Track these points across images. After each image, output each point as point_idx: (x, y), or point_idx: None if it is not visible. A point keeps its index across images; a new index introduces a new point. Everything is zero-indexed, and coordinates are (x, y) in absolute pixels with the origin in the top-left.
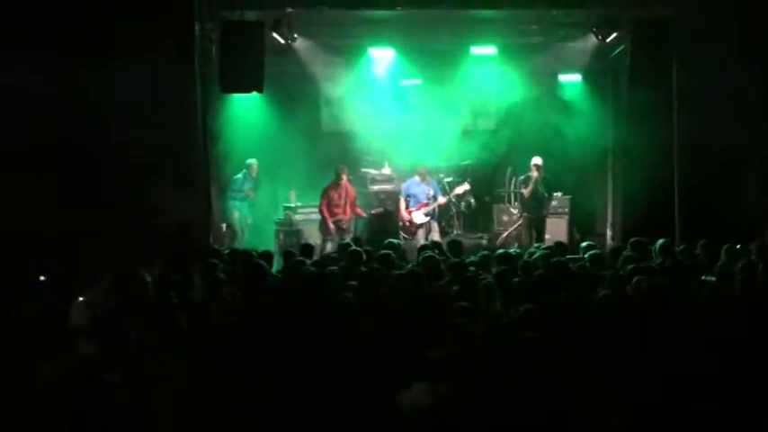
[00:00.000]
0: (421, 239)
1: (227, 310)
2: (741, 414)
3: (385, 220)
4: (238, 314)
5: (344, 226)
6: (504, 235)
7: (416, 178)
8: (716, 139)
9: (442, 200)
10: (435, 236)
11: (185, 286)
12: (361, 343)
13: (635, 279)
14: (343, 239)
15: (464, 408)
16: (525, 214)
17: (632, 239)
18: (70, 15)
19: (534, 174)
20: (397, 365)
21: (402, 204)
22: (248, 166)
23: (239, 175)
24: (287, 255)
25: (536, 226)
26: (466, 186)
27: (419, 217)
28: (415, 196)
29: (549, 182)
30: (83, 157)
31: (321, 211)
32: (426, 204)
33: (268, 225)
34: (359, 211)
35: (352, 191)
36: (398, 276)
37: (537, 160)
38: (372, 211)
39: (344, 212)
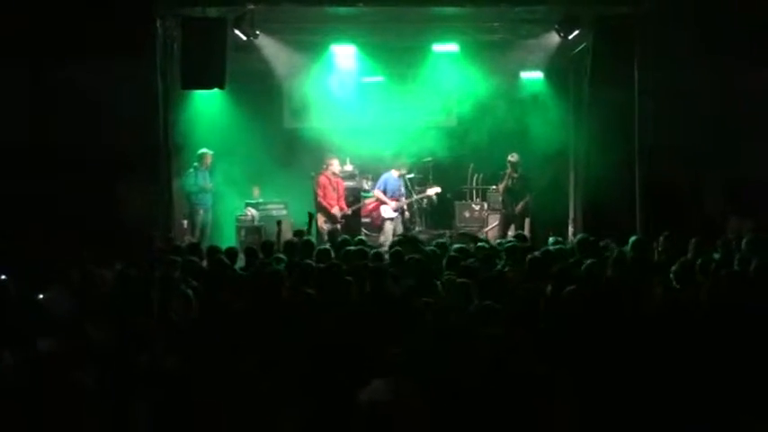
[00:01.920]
0: (389, 235)
1: (186, 307)
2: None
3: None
4: (199, 311)
5: (339, 218)
6: (484, 231)
7: (393, 173)
8: (677, 138)
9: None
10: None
11: (145, 284)
12: (322, 341)
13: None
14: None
15: (423, 404)
16: (502, 211)
17: (579, 237)
18: (31, 14)
19: (509, 170)
20: (357, 362)
21: (380, 194)
22: (200, 157)
23: (191, 170)
24: (248, 252)
25: (514, 223)
26: (437, 189)
27: (388, 211)
28: (390, 191)
29: (526, 179)
30: (43, 155)
31: (319, 200)
32: (398, 200)
33: (229, 221)
34: (343, 205)
35: (342, 184)
36: (362, 272)
37: (512, 157)
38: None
39: (336, 204)
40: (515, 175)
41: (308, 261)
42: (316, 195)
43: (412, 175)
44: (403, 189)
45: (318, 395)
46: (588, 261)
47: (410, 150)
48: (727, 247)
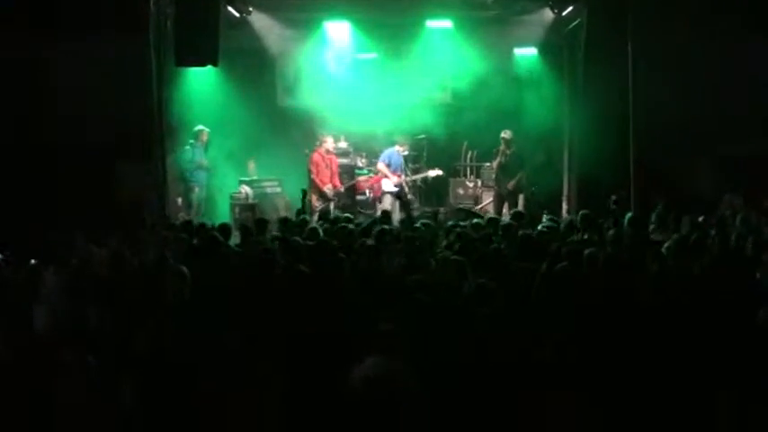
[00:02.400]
0: (387, 206)
1: (181, 285)
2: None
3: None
4: (192, 287)
5: (331, 195)
6: (478, 208)
7: (397, 148)
8: (671, 114)
9: (417, 176)
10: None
11: (138, 263)
12: (316, 317)
13: (587, 252)
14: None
15: (417, 381)
16: (495, 188)
17: (581, 213)
18: None
19: (502, 147)
20: (350, 339)
21: (384, 168)
22: (196, 134)
23: (187, 147)
24: (243, 229)
25: (507, 200)
26: (438, 171)
27: (389, 185)
28: (394, 166)
29: (519, 156)
30: (38, 132)
31: (313, 177)
32: (399, 176)
33: (224, 198)
34: (338, 183)
35: (336, 162)
36: (356, 250)
37: (505, 134)
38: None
39: (329, 181)
40: (508, 152)
41: (298, 239)
42: (309, 173)
43: (406, 153)
44: (404, 166)
45: (302, 373)
46: (588, 243)
47: (404, 127)
48: (722, 224)
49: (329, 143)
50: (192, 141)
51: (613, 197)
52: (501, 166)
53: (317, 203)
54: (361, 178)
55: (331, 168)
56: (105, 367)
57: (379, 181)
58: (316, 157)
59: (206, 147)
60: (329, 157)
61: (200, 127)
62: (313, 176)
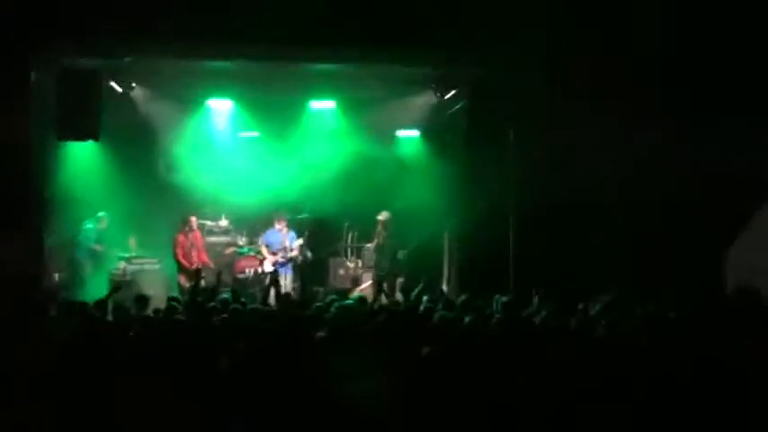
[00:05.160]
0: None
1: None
2: None
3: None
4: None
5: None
6: (358, 289)
7: (275, 227)
8: (551, 201)
9: (293, 252)
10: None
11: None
12: None
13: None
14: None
15: None
16: (374, 270)
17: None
18: None
19: (379, 228)
20: None
21: (264, 251)
22: (98, 219)
23: (88, 226)
24: (117, 309)
25: (386, 281)
26: (300, 241)
27: (267, 266)
28: (271, 245)
29: (397, 238)
30: None
31: (179, 260)
32: (275, 254)
33: (102, 275)
34: (205, 259)
35: (201, 238)
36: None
37: (382, 216)
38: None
39: (197, 259)
40: (385, 233)
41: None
42: (175, 255)
43: (284, 230)
44: (286, 242)
45: None
46: (468, 318)
47: (286, 206)
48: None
49: (193, 222)
50: (93, 225)
51: (535, 291)
52: (378, 248)
53: (186, 284)
54: (241, 258)
55: (196, 246)
56: None
57: (261, 263)
58: (180, 238)
59: (103, 233)
60: (193, 234)
61: (102, 213)
62: (180, 258)
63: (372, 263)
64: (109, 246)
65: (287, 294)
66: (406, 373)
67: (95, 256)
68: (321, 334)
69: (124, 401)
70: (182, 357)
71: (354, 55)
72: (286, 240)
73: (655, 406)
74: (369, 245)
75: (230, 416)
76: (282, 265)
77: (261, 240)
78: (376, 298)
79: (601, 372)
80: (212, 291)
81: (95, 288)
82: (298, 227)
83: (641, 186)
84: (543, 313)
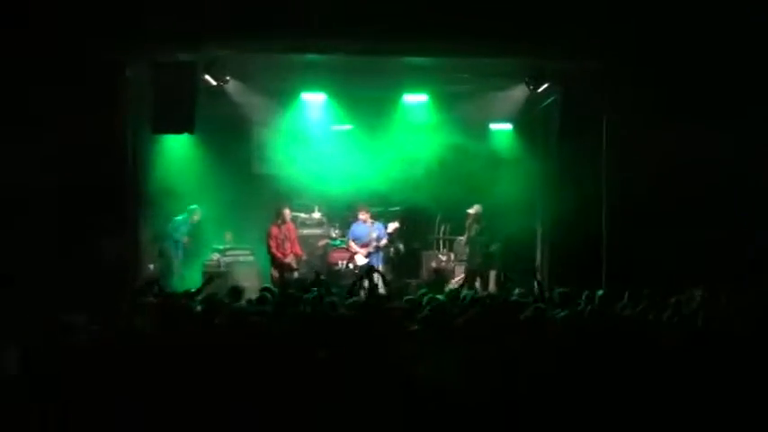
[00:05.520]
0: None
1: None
2: None
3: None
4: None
5: (295, 265)
6: (453, 282)
7: (360, 220)
8: (643, 193)
9: (383, 242)
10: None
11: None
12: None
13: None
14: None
15: None
16: (466, 264)
17: (559, 290)
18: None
19: (470, 222)
20: None
21: (352, 245)
22: (190, 212)
23: (179, 218)
24: (209, 300)
25: (479, 274)
26: (396, 224)
27: (360, 259)
28: (359, 238)
29: (489, 231)
30: (12, 197)
31: (272, 252)
32: (366, 246)
33: (196, 266)
34: (298, 251)
35: (293, 229)
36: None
37: (472, 209)
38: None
39: (290, 251)
40: (476, 227)
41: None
42: (269, 247)
43: (368, 221)
44: (374, 234)
45: None
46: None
47: (378, 199)
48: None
49: (287, 214)
50: (185, 215)
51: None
52: (470, 241)
53: (278, 276)
54: (333, 250)
55: (289, 238)
56: None
57: (352, 258)
58: (273, 230)
59: (196, 226)
60: (286, 227)
61: (194, 206)
62: (273, 250)
63: (464, 256)
64: (203, 238)
65: (375, 286)
66: (500, 366)
67: (185, 249)
68: (414, 327)
69: (213, 392)
70: (275, 348)
71: (447, 48)
72: (373, 232)
73: (757, 399)
74: (460, 238)
75: (321, 406)
76: (373, 254)
77: (347, 235)
78: (470, 289)
79: (701, 365)
80: (309, 283)
81: (188, 280)
82: (389, 219)
83: (735, 179)
84: (639, 307)
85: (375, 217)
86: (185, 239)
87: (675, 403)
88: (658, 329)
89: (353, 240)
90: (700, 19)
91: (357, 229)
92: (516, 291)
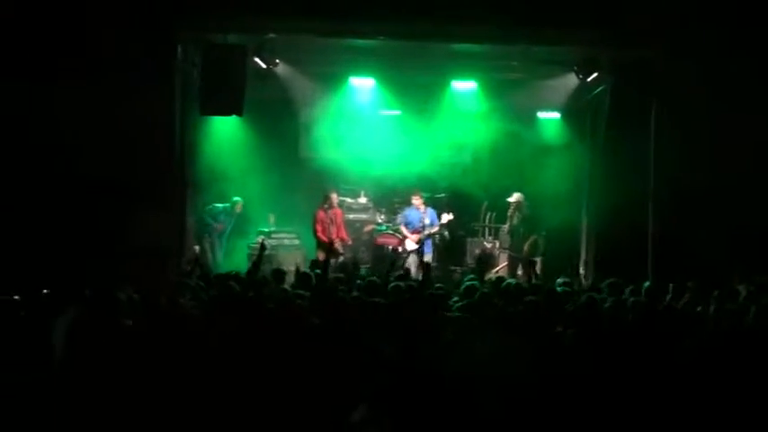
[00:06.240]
0: (412, 267)
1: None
2: None
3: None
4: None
5: (338, 249)
6: (493, 272)
7: (414, 205)
8: (692, 185)
9: (434, 228)
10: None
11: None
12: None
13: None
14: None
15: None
16: (508, 252)
17: (608, 281)
18: (52, 33)
19: (511, 211)
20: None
21: (403, 229)
22: (234, 203)
23: (220, 206)
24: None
25: (521, 263)
26: (450, 216)
27: (410, 244)
28: (411, 223)
29: (533, 220)
30: (59, 177)
31: (318, 235)
32: (418, 232)
33: (241, 249)
34: (344, 235)
35: (340, 214)
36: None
37: (513, 198)
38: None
39: (336, 236)
40: (519, 215)
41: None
42: (315, 231)
43: (422, 208)
44: (426, 219)
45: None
46: (608, 303)
47: (425, 185)
48: (721, 299)
49: (334, 199)
50: (227, 205)
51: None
52: (512, 230)
53: (323, 259)
54: (379, 235)
55: (336, 223)
56: None
57: (398, 241)
58: (320, 214)
59: (236, 218)
60: (332, 211)
61: (237, 198)
62: (319, 234)
63: (507, 245)
64: (248, 222)
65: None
66: (546, 356)
67: (220, 235)
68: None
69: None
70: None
71: (497, 35)
72: (426, 217)
73: None
74: (503, 227)
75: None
76: (424, 242)
77: (399, 219)
78: (512, 278)
79: (749, 360)
80: (353, 265)
81: (233, 261)
82: (435, 205)
83: None
84: (684, 300)
85: (426, 203)
86: (218, 226)
87: (720, 401)
88: (702, 324)
89: (405, 225)
90: (751, 9)
91: (410, 214)
92: (560, 280)
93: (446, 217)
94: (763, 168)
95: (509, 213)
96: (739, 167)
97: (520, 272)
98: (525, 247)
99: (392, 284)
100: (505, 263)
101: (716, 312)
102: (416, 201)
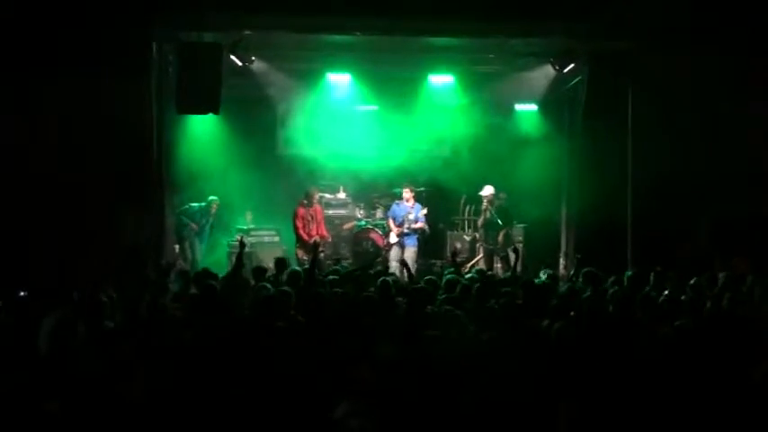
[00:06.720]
0: (393, 261)
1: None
2: None
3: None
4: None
5: (321, 247)
6: (469, 265)
7: (404, 198)
8: (670, 174)
9: (417, 224)
10: (398, 258)
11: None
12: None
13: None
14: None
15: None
16: (483, 245)
17: (584, 270)
18: (25, 32)
19: (485, 204)
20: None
21: (391, 223)
22: (209, 202)
23: (195, 205)
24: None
25: (497, 255)
26: (424, 210)
27: (392, 237)
28: (396, 218)
29: (506, 212)
30: (34, 177)
31: (298, 233)
32: (401, 226)
33: (221, 246)
34: (324, 232)
35: (321, 211)
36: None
37: (484, 191)
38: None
39: (316, 233)
40: (491, 209)
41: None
42: (295, 228)
43: (410, 202)
44: (410, 214)
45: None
46: (586, 295)
47: (404, 179)
48: (698, 288)
49: (314, 195)
50: (203, 204)
51: (578, 255)
52: (486, 223)
53: (304, 258)
54: (359, 232)
55: (316, 220)
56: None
57: (379, 237)
58: (300, 211)
59: (213, 217)
60: (313, 208)
61: (213, 197)
62: (299, 231)
63: (482, 237)
64: (226, 219)
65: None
66: (531, 348)
67: (197, 234)
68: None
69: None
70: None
71: (474, 28)
72: (411, 212)
73: None
74: (479, 219)
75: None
76: (407, 236)
77: (388, 213)
78: (489, 271)
79: (726, 345)
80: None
81: (211, 260)
82: (416, 199)
83: (762, 162)
84: (664, 288)
85: (416, 198)
86: (193, 226)
87: (689, 386)
88: (681, 312)
89: (393, 219)
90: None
91: (397, 208)
92: (542, 273)
93: (422, 212)
94: (741, 156)
95: (482, 207)
96: (716, 156)
97: (498, 264)
98: (500, 239)
99: (380, 280)
100: (481, 255)
101: (692, 301)
102: (407, 194)
